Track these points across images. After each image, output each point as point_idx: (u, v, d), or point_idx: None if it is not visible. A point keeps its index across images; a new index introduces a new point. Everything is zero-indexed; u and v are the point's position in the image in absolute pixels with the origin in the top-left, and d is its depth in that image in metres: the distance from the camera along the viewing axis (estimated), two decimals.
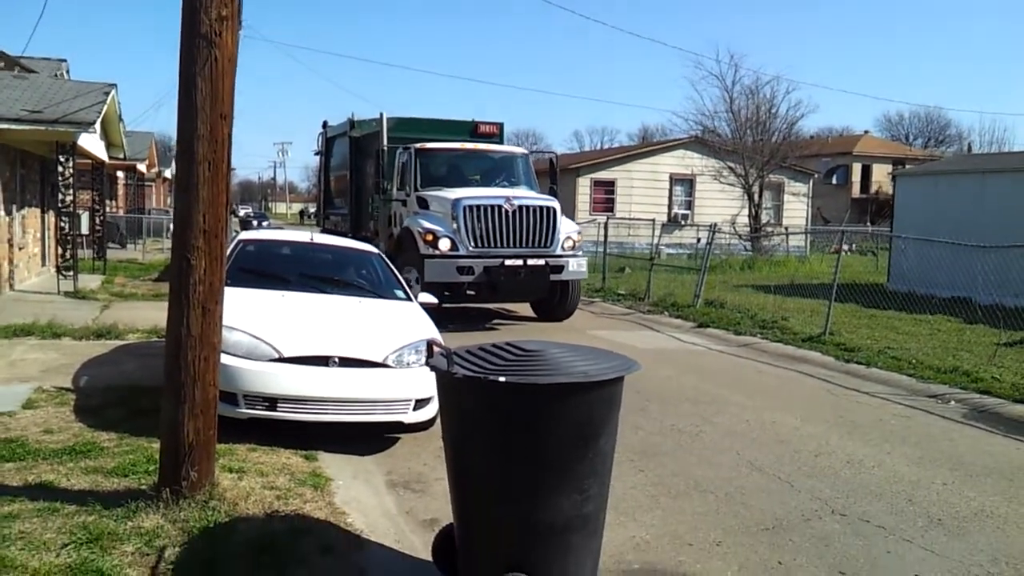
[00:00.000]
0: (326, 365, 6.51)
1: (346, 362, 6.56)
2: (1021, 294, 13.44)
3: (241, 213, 61.98)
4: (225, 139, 4.71)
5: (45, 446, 6.02)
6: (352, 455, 6.50)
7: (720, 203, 30.18)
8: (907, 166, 42.97)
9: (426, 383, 6.77)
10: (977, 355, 11.14)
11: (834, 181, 53.15)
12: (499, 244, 13.19)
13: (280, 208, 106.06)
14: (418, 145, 14.69)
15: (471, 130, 16.89)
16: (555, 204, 13.82)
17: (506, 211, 13.22)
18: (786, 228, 30.06)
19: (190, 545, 4.46)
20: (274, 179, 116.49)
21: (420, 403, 6.77)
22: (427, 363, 4.09)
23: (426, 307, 8.00)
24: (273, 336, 6.55)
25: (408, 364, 6.77)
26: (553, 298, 14.39)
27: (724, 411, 8.38)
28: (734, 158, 28.83)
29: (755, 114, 29.96)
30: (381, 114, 15.15)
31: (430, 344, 4.30)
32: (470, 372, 3.84)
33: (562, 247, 13.74)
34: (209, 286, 4.78)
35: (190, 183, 4.65)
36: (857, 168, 55.78)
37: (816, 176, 36.29)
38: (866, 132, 64.51)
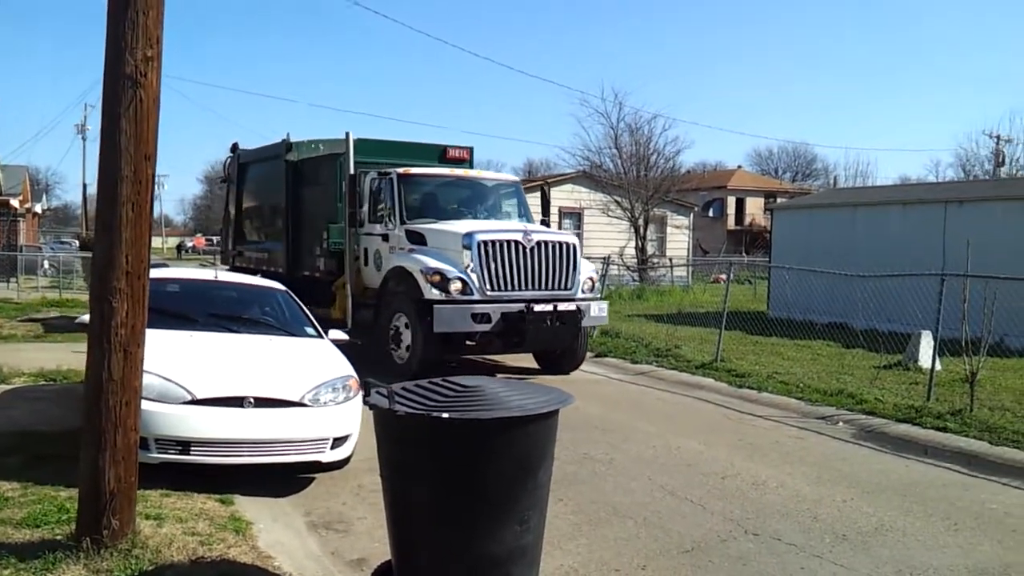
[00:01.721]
0: (241, 406, 6.40)
1: (262, 402, 6.47)
2: (894, 319, 14.30)
3: None
4: (149, 180, 4.65)
5: None
6: (268, 497, 6.39)
7: (608, 236, 30.94)
8: (778, 199, 45.08)
9: (343, 421, 6.76)
10: (858, 378, 11.79)
11: (711, 214, 55.18)
12: (517, 286, 11.43)
13: (156, 242, 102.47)
14: (401, 170, 12.82)
15: (439, 155, 15.07)
16: (575, 240, 12.20)
17: (524, 248, 11.50)
18: (670, 259, 31.14)
19: None
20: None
21: (337, 441, 6.73)
22: (366, 401, 4.11)
23: (338, 344, 7.97)
24: (185, 377, 6.41)
25: (324, 403, 6.72)
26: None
27: (632, 438, 8.63)
28: (620, 192, 29.67)
29: (637, 150, 30.98)
30: (347, 133, 12.93)
31: (366, 384, 4.31)
32: (412, 409, 3.91)
33: (581, 289, 12.14)
34: (131, 329, 4.68)
35: (112, 224, 4.56)
36: (732, 201, 58.18)
37: (695, 209, 37.70)
38: (739, 167, 67.38)
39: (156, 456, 6.15)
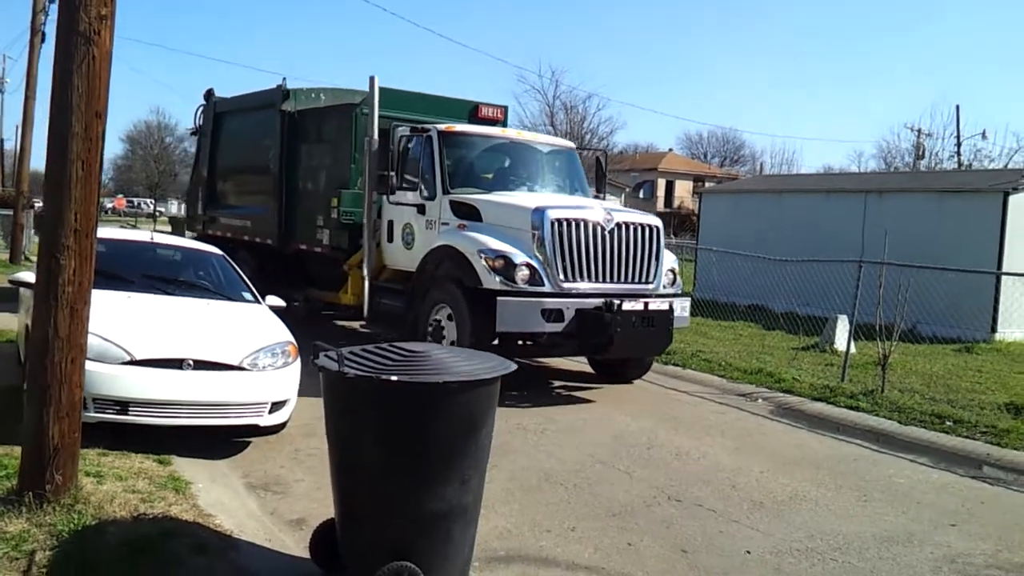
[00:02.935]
0: (180, 368, 6.45)
1: (200, 365, 6.52)
2: (813, 304, 14.85)
3: (38, 207, 56.97)
4: (99, 137, 4.66)
5: None
6: (206, 459, 6.45)
7: None
8: (706, 183, 45.92)
9: (281, 386, 6.86)
10: (777, 358, 12.28)
11: (641, 195, 56.05)
12: (594, 277, 9.42)
13: None
14: (443, 126, 10.59)
15: (470, 113, 12.71)
16: (660, 223, 10.14)
17: (603, 230, 9.49)
18: None
19: (61, 548, 4.39)
20: None
21: (276, 406, 6.82)
22: (314, 363, 4.23)
23: (275, 310, 8.01)
24: (124, 338, 6.41)
25: (263, 367, 6.80)
26: None
27: (563, 411, 8.89)
28: None
29: (572, 128, 31.32)
30: (373, 78, 10.60)
31: (314, 346, 4.42)
32: (361, 372, 4.05)
33: (662, 283, 10.11)
34: (79, 286, 4.71)
35: (62, 181, 4.57)
36: (662, 183, 59.17)
37: (627, 190, 38.31)
38: (670, 150, 68.46)
39: (94, 416, 6.15)
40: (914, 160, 46.54)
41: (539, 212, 9.31)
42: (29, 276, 7.82)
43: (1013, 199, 16.63)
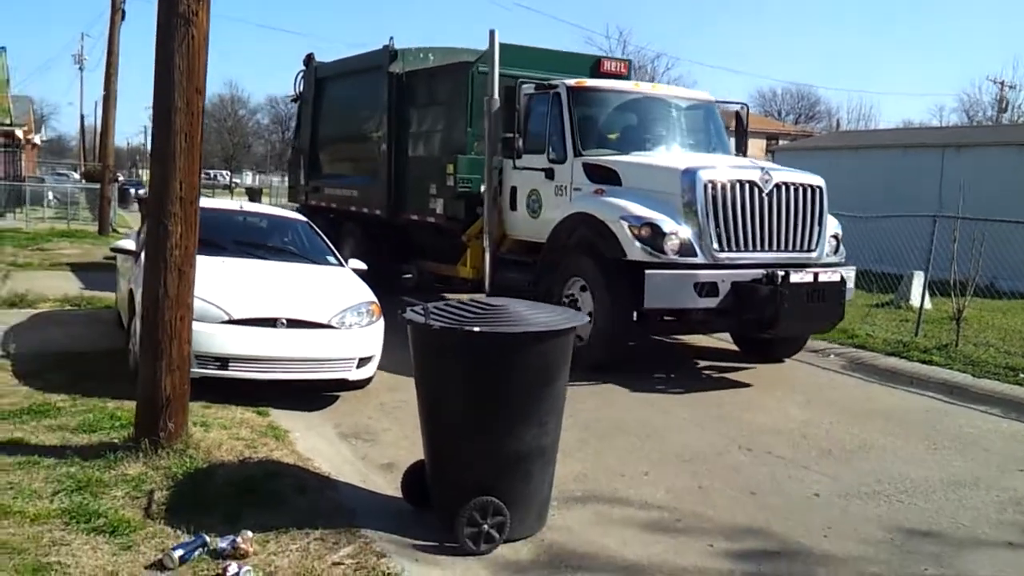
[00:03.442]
0: (274, 326, 6.89)
1: (293, 323, 6.95)
2: (887, 260, 14.71)
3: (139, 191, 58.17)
4: (199, 112, 5.05)
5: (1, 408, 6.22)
6: (300, 411, 6.88)
7: None
8: (780, 141, 45.17)
9: (367, 342, 7.25)
10: (851, 315, 12.16)
11: None
12: (752, 246, 8.47)
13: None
14: (572, 82, 9.73)
15: (591, 68, 11.69)
16: (823, 183, 9.03)
17: (761, 192, 8.50)
18: None
19: (177, 488, 4.84)
20: (144, 144, 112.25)
21: (363, 361, 7.22)
22: (402, 316, 4.56)
23: (358, 272, 8.40)
24: (222, 299, 6.86)
25: (350, 325, 7.20)
26: None
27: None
28: None
29: None
30: (493, 32, 9.82)
31: (402, 301, 4.75)
32: (446, 324, 4.37)
33: (825, 251, 9.06)
34: (185, 250, 5.13)
35: (167, 153, 4.98)
36: (732, 142, 58.15)
37: None
38: (742, 106, 67.08)
39: (197, 371, 6.57)
40: (997, 113, 45.07)
41: (690, 174, 8.36)
42: (129, 243, 8.40)
43: None
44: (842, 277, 8.57)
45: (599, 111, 9.84)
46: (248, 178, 79.21)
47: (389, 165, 12.28)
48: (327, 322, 7.08)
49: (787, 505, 5.27)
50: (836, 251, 9.32)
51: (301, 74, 15.17)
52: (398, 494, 4.96)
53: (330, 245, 8.99)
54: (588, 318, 4.72)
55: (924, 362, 9.43)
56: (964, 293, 10.17)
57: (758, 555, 4.54)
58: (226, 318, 6.78)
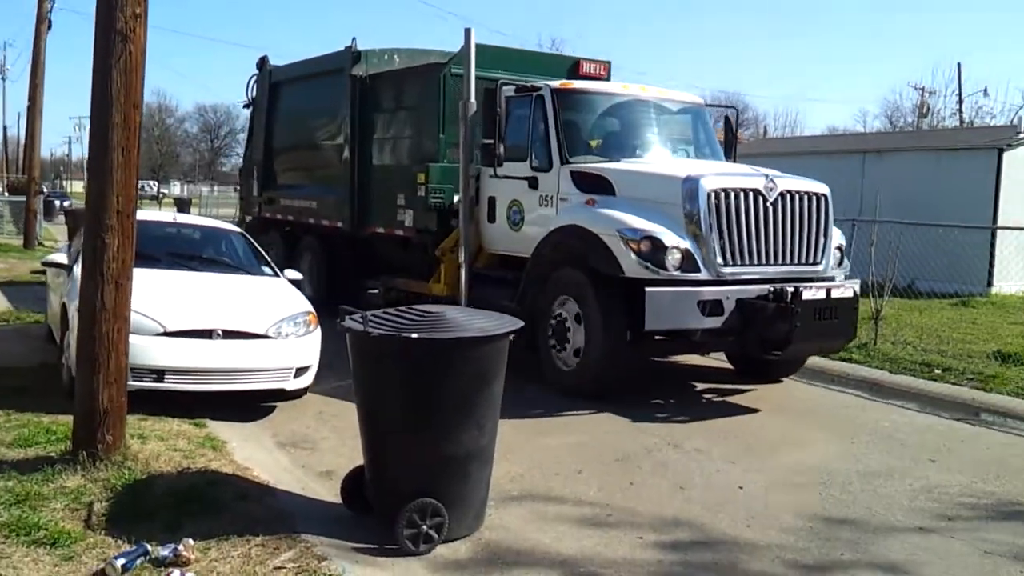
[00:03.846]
0: (210, 338, 6.92)
1: (229, 334, 6.98)
2: None
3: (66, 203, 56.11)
4: (136, 127, 5.11)
5: None
6: (237, 422, 6.91)
7: None
8: None
9: (304, 352, 7.32)
10: None
11: None
12: (757, 259, 7.87)
13: (76, 187, 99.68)
14: (557, 83, 9.14)
15: (569, 71, 10.96)
16: (827, 190, 8.47)
17: (765, 201, 7.92)
18: None
19: (117, 499, 4.88)
20: (68, 155, 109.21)
21: (300, 371, 7.29)
22: (340, 325, 4.69)
23: (294, 282, 8.45)
24: (156, 312, 6.87)
25: (287, 335, 7.26)
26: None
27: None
28: None
29: None
30: (468, 31, 9.14)
31: (340, 310, 4.87)
32: (384, 331, 4.51)
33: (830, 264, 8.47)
34: (122, 263, 5.17)
35: (104, 168, 5.02)
36: None
37: None
38: None
39: (133, 384, 6.52)
40: (917, 119, 46.56)
41: (691, 182, 7.74)
42: (60, 257, 8.32)
43: (1007, 155, 17.02)
44: (855, 292, 8.07)
45: (586, 115, 9.25)
46: (176, 188, 77.89)
47: (352, 175, 11.60)
48: (263, 332, 7.13)
49: (714, 498, 5.53)
50: (840, 263, 8.78)
51: (254, 78, 14.44)
52: (338, 500, 5.07)
53: (265, 256, 9.02)
54: (523, 323, 4.85)
55: (844, 360, 9.86)
56: (882, 294, 10.64)
57: (685, 545, 4.78)
58: (161, 330, 6.79)
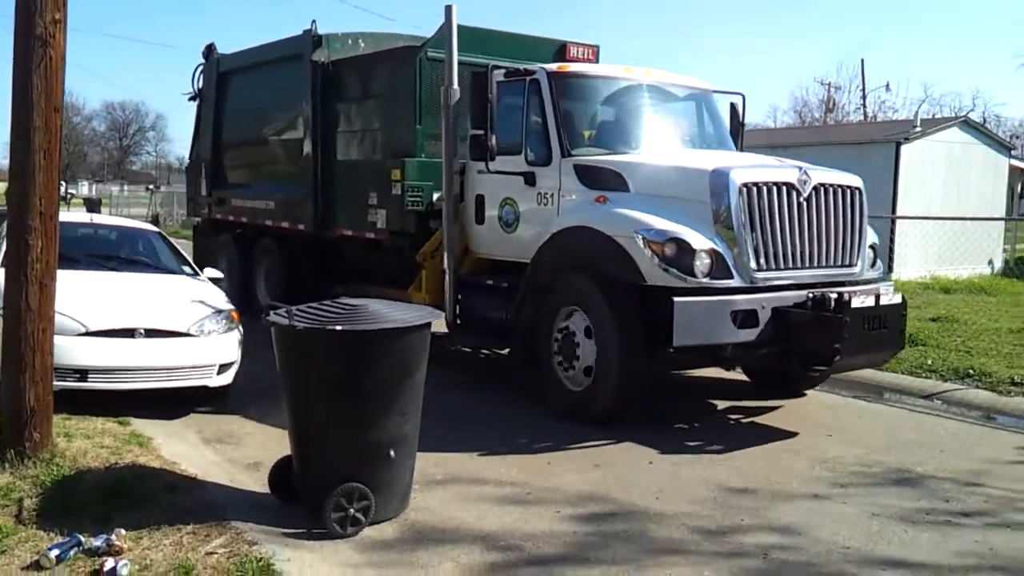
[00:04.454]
0: (132, 336, 6.99)
1: (151, 333, 7.06)
2: None
3: None
4: (58, 130, 5.19)
5: None
6: (161, 420, 6.96)
7: None
8: None
9: (226, 349, 7.43)
10: None
11: None
12: (793, 261, 7.02)
13: None
14: (554, 67, 8.11)
15: (555, 55, 9.76)
16: (861, 183, 7.60)
17: (799, 197, 7.05)
18: None
19: (46, 495, 4.97)
20: None
21: (223, 367, 7.40)
22: (265, 320, 4.87)
23: (214, 280, 8.53)
24: (77, 312, 6.90)
25: (209, 332, 7.35)
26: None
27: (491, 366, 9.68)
28: None
29: None
30: (449, 7, 8.14)
31: (266, 306, 5.06)
32: (309, 324, 4.72)
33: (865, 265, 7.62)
34: (46, 264, 5.24)
35: (27, 170, 5.09)
36: None
37: None
38: None
39: (56, 384, 6.52)
40: (824, 114, 48.01)
41: (720, 175, 6.83)
42: None
43: (905, 148, 18.04)
44: (903, 299, 7.15)
45: (588, 102, 8.27)
46: (85, 188, 75.56)
47: (315, 171, 10.48)
48: (186, 330, 7.22)
49: (627, 472, 5.89)
50: (873, 265, 7.84)
51: (200, 68, 13.21)
52: (266, 490, 5.24)
53: (184, 255, 9.07)
54: (442, 314, 5.10)
55: None
56: None
57: (599, 517, 5.10)
58: (83, 330, 6.83)
